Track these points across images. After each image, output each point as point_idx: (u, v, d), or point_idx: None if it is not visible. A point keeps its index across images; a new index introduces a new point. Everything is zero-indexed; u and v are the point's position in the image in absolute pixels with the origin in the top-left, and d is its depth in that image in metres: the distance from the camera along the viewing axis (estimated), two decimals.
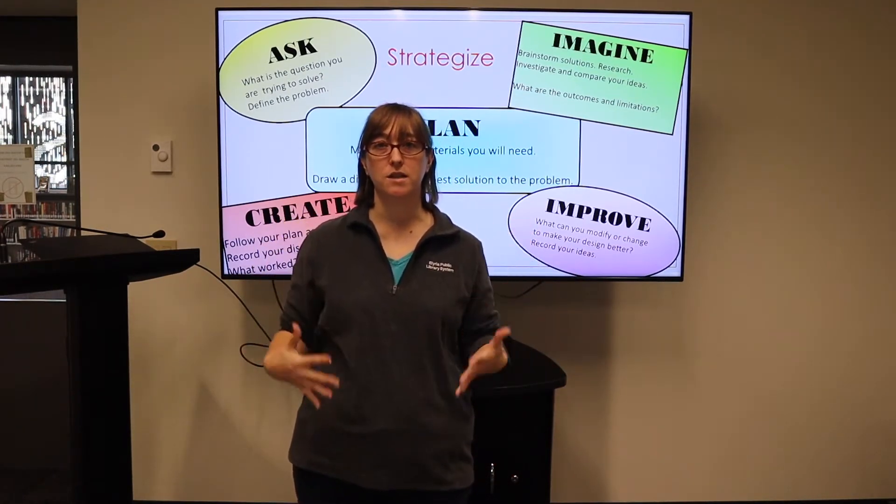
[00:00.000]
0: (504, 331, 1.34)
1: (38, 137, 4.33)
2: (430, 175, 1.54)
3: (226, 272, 2.33)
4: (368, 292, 1.43)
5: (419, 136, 1.45)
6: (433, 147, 1.53)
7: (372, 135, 1.45)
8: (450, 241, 1.52)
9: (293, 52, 2.26)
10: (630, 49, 2.27)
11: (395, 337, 1.42)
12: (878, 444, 2.79)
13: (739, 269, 2.70)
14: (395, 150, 1.42)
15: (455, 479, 1.48)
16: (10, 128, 4.09)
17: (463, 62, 2.27)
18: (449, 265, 1.49)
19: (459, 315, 1.49)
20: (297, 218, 2.29)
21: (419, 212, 1.53)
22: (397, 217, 1.50)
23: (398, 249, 1.49)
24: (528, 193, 2.30)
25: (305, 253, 1.52)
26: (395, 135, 1.43)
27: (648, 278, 2.36)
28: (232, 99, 2.27)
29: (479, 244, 1.58)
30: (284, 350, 1.34)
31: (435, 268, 1.47)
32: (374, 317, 1.42)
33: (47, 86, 4.29)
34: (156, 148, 2.58)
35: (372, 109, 1.50)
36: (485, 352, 1.33)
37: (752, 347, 2.73)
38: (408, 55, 2.26)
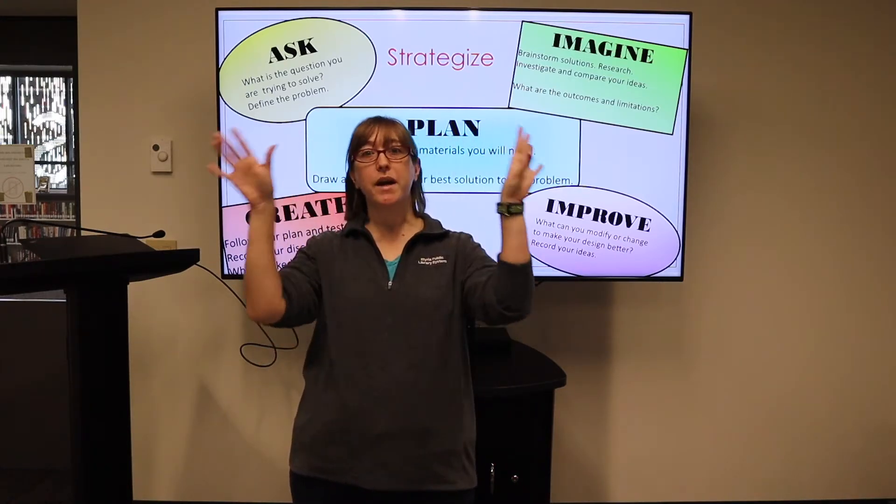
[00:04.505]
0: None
1: (38, 137, 4.33)
2: (417, 184, 1.58)
3: (226, 272, 2.33)
4: (364, 289, 1.45)
5: (403, 142, 1.50)
6: (418, 155, 1.57)
7: (358, 144, 1.50)
8: (439, 239, 1.54)
9: (293, 52, 2.26)
10: (630, 49, 2.27)
11: (393, 331, 1.42)
12: (879, 444, 2.79)
13: (740, 268, 2.70)
14: (382, 154, 1.47)
15: (458, 479, 1.47)
16: (10, 128, 4.09)
17: (463, 62, 2.27)
18: (441, 257, 1.50)
19: (458, 304, 1.48)
20: (297, 218, 2.29)
21: (410, 217, 1.57)
22: (389, 223, 1.54)
23: (392, 251, 1.52)
24: (528, 193, 2.29)
25: (305, 250, 1.56)
26: (380, 141, 1.48)
27: (648, 278, 2.36)
28: (232, 99, 2.27)
29: (469, 235, 1.59)
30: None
31: (427, 262, 1.49)
32: (371, 312, 1.43)
33: (47, 86, 4.28)
34: (156, 148, 2.58)
35: (372, 111, 1.56)
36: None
37: (753, 347, 2.73)
38: (408, 55, 2.26)
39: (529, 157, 1.32)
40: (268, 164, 1.38)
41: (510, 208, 1.33)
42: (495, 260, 1.39)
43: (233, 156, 1.37)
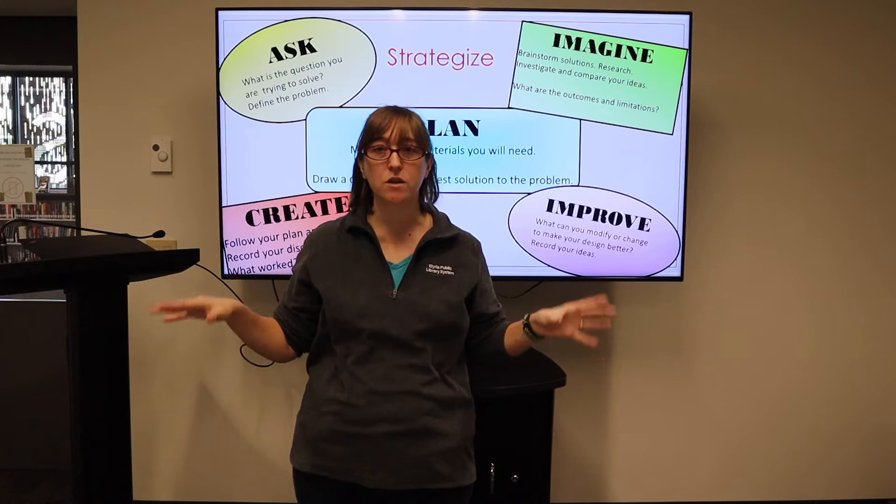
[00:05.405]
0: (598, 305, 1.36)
1: (38, 137, 4.34)
2: (429, 179, 1.53)
3: (226, 272, 2.33)
4: (368, 297, 1.43)
5: (419, 140, 1.43)
6: (433, 151, 1.51)
7: (371, 138, 1.43)
8: (449, 244, 1.51)
9: (293, 52, 2.26)
10: (630, 49, 2.27)
11: (397, 340, 1.41)
12: (878, 444, 2.79)
13: (739, 268, 2.70)
14: (395, 154, 1.40)
15: (459, 476, 1.48)
16: (10, 128, 4.09)
17: (463, 62, 2.27)
18: (449, 268, 1.48)
19: (461, 317, 1.48)
20: (297, 218, 2.29)
21: (417, 215, 1.53)
22: (395, 221, 1.50)
23: (398, 253, 1.49)
24: (528, 193, 2.30)
25: (303, 262, 1.52)
26: (395, 139, 1.41)
27: (648, 278, 2.36)
28: (232, 99, 2.27)
29: (479, 244, 1.58)
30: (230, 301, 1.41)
31: (435, 271, 1.47)
32: (375, 321, 1.41)
33: (47, 86, 4.29)
34: (156, 148, 2.58)
35: (372, 111, 1.49)
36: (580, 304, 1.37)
37: (752, 347, 2.73)
38: (408, 55, 2.26)
39: (600, 307, 1.36)
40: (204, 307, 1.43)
41: (537, 336, 1.44)
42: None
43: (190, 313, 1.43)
